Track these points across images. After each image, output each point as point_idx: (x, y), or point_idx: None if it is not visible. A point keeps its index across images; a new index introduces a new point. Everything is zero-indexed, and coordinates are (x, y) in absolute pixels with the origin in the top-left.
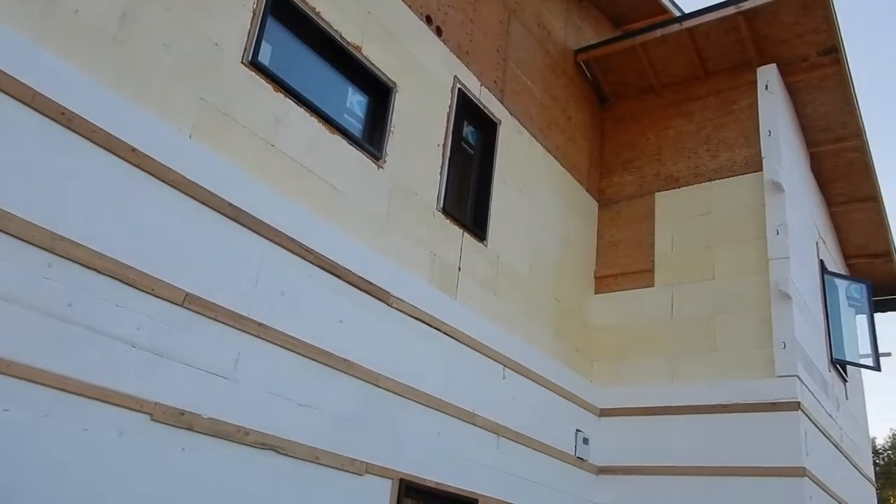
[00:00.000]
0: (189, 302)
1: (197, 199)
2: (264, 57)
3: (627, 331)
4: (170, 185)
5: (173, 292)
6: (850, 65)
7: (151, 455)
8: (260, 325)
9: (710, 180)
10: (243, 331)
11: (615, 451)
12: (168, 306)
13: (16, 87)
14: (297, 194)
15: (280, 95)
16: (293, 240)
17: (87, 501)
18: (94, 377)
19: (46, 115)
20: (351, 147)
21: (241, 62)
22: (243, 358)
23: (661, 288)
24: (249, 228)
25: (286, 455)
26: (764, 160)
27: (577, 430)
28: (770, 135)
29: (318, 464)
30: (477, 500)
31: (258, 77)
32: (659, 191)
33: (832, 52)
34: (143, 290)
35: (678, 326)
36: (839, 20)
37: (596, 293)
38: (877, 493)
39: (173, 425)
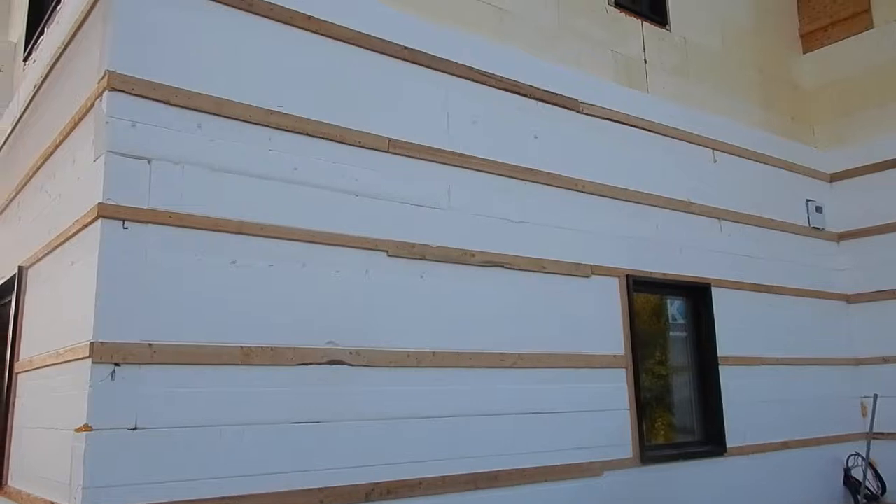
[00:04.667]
0: (393, 146)
1: (375, 51)
2: None
3: (849, 84)
4: (348, 42)
5: (377, 140)
6: None
7: (396, 285)
8: (460, 155)
9: None
10: (447, 163)
11: (855, 214)
12: (376, 154)
13: None
14: (464, 23)
15: None
16: (471, 68)
17: (351, 333)
18: (332, 226)
19: (231, 5)
20: None
21: None
22: (454, 188)
23: (883, 27)
24: (429, 67)
25: (512, 268)
26: None
27: (808, 200)
28: None
29: (545, 272)
30: (709, 285)
31: None
32: None
33: None
34: (351, 144)
35: None
36: None
37: (805, 53)
38: None
39: (408, 257)
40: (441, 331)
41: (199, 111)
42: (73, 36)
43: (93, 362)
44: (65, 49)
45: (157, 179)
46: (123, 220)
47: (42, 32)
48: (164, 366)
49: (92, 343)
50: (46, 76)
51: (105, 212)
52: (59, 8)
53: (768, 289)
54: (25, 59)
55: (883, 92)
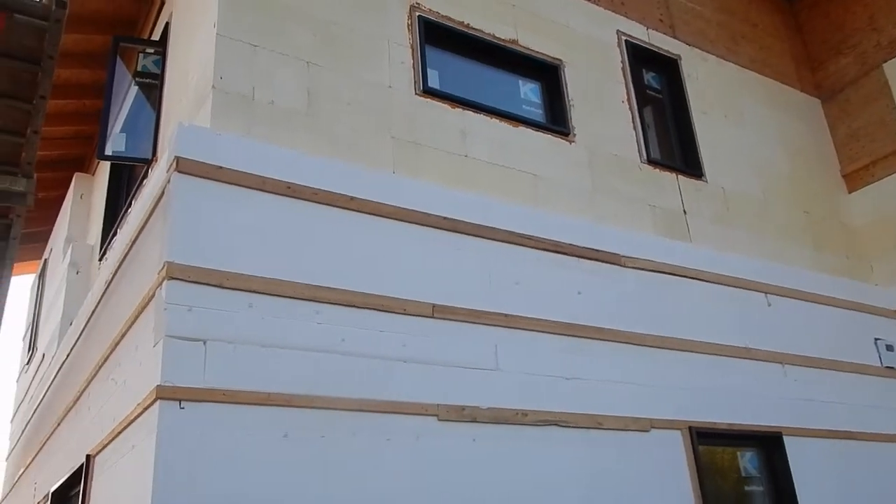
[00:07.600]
0: (437, 312)
1: (416, 223)
2: (433, 82)
3: None
4: (389, 217)
5: (422, 307)
6: None
7: (447, 449)
8: (506, 315)
9: None
10: (492, 324)
11: None
12: (421, 320)
13: (245, 177)
14: (501, 192)
15: (459, 110)
16: (511, 232)
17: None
18: (381, 394)
19: (275, 193)
20: (538, 133)
21: (416, 93)
22: (500, 348)
23: None
24: (469, 234)
25: (568, 426)
26: None
27: (877, 339)
28: None
29: (602, 429)
30: (780, 433)
31: (435, 101)
32: (886, 60)
33: None
34: (396, 312)
35: None
36: None
37: (850, 192)
38: None
39: (458, 421)
40: (496, 498)
41: (250, 291)
42: (139, 234)
43: None
44: (132, 246)
45: (212, 359)
46: (180, 401)
47: (115, 233)
48: None
49: None
50: (115, 272)
51: (163, 393)
52: (129, 210)
53: (848, 435)
54: (100, 259)
55: None
